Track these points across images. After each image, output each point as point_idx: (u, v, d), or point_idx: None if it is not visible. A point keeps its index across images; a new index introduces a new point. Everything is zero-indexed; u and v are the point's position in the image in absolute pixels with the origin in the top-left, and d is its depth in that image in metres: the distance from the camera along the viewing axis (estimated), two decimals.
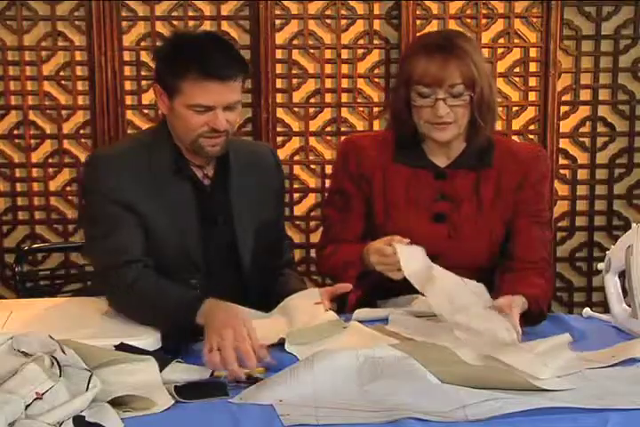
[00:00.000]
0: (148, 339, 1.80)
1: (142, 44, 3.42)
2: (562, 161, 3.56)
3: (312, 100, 3.50)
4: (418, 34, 3.42)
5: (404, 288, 2.12)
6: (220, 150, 2.06)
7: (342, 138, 3.47)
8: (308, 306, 2.02)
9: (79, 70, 3.42)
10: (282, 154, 3.47)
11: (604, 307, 2.23)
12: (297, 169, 3.53)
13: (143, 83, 3.45)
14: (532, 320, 1.99)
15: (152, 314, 1.89)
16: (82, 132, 3.46)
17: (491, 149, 2.20)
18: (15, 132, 3.45)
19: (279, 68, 3.46)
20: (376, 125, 3.51)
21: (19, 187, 3.48)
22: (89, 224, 2.08)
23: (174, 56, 2.01)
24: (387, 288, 2.15)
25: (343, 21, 3.46)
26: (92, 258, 2.12)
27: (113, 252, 1.98)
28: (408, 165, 2.20)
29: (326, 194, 2.46)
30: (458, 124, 2.11)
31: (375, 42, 3.48)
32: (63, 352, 1.52)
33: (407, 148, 2.20)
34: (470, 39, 2.18)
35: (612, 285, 2.09)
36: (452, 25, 3.46)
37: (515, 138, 3.45)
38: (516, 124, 3.50)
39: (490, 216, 2.19)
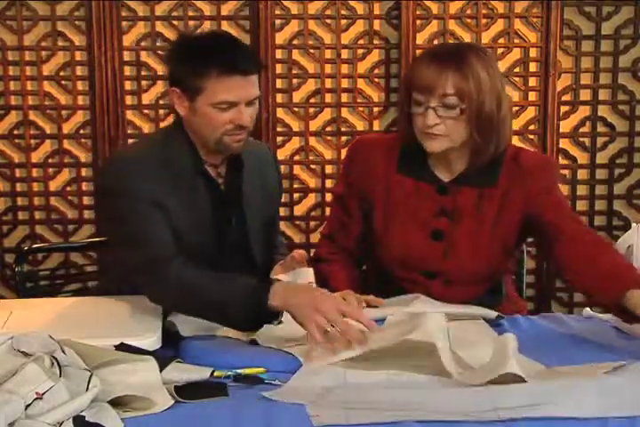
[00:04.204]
0: (148, 339, 1.80)
1: (142, 44, 3.43)
2: (562, 161, 3.56)
3: (312, 100, 3.50)
4: (418, 34, 3.44)
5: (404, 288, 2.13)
6: (242, 146, 2.07)
7: (342, 138, 3.50)
8: None
9: (79, 70, 3.42)
10: (282, 154, 3.48)
11: None
12: (297, 169, 3.53)
13: (143, 83, 3.45)
14: None
15: (212, 305, 1.86)
16: (82, 132, 3.46)
17: (497, 167, 2.12)
18: (15, 132, 3.45)
19: (279, 68, 3.46)
20: (376, 125, 3.51)
21: (19, 187, 3.49)
22: (117, 225, 2.03)
23: (193, 56, 2.00)
24: (387, 288, 2.15)
25: (343, 21, 3.46)
26: (127, 256, 2.02)
27: (150, 247, 1.96)
28: (411, 177, 2.14)
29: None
30: (451, 138, 2.03)
31: (375, 42, 3.48)
32: (63, 352, 1.52)
33: (412, 159, 2.13)
34: (483, 54, 2.05)
35: None
36: (452, 25, 3.46)
37: (515, 138, 3.45)
38: (516, 125, 3.50)
39: (490, 236, 2.12)
